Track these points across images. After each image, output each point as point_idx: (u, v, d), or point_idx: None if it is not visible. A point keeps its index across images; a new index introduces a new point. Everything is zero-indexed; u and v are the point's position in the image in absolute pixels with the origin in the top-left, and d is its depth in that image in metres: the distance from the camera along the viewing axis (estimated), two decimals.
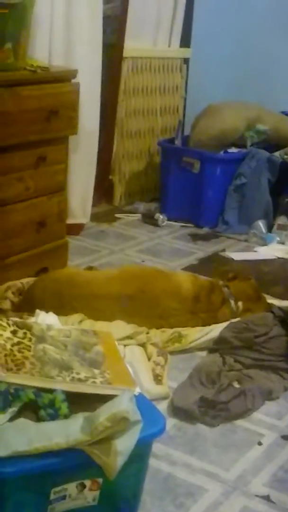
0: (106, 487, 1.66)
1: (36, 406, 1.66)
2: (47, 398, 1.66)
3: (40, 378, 1.71)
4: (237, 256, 3.79)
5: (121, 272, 2.89)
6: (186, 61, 4.75)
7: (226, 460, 2.09)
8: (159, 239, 4.01)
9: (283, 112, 4.48)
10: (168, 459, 2.07)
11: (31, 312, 2.46)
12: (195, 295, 2.78)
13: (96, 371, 1.79)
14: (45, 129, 3.00)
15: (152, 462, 1.94)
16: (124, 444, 1.59)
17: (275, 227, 4.03)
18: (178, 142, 4.35)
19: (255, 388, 2.43)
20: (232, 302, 2.84)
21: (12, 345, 1.82)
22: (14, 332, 1.89)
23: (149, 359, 2.52)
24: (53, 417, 1.64)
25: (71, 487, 1.62)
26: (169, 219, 4.23)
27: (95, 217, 4.13)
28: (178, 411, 2.27)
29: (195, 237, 4.06)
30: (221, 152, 4.24)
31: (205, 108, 4.31)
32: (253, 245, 3.97)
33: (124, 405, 1.60)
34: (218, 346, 2.67)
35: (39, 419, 1.64)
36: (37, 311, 2.26)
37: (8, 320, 1.96)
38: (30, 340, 1.88)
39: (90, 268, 3.19)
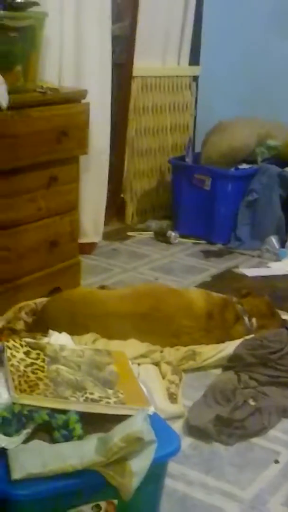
0: (122, 508, 1.64)
1: (50, 428, 1.65)
2: (61, 419, 1.65)
3: (54, 399, 1.70)
4: (250, 272, 3.78)
5: (134, 290, 2.89)
6: (195, 78, 4.78)
7: (243, 479, 2.07)
8: (171, 256, 4.01)
9: None
10: (184, 478, 2.05)
11: (45, 333, 2.46)
12: (209, 312, 2.78)
13: (110, 391, 1.79)
14: (56, 149, 3.02)
15: (168, 482, 1.92)
16: (139, 465, 1.58)
17: None
18: (188, 160, 4.36)
19: (271, 405, 2.41)
20: (246, 318, 2.83)
21: (26, 366, 1.82)
22: (27, 353, 1.89)
23: (163, 377, 2.50)
24: (67, 438, 1.63)
25: (87, 509, 1.61)
26: (181, 236, 4.23)
27: (107, 236, 4.13)
28: (193, 430, 2.26)
29: (207, 254, 4.05)
30: (232, 169, 4.25)
31: (215, 125, 4.32)
32: (266, 261, 3.95)
33: (138, 425, 1.59)
34: (232, 363, 2.65)
35: (53, 441, 1.64)
36: (50, 331, 2.26)
37: (21, 341, 1.96)
38: (43, 360, 1.88)
39: (103, 287, 3.19)
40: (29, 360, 1.86)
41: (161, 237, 4.23)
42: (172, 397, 2.40)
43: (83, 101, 3.19)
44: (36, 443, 1.62)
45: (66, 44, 3.48)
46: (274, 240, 4.04)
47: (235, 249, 4.11)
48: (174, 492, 1.98)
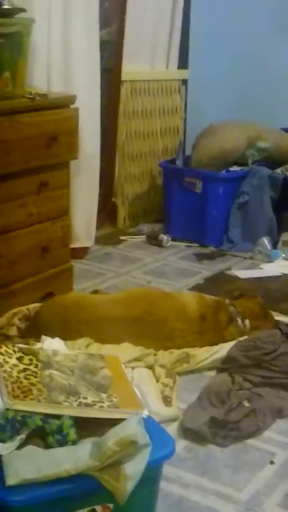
0: None
1: (44, 433, 1.65)
2: (55, 424, 1.65)
3: (47, 404, 1.70)
4: (243, 274, 3.78)
5: (127, 294, 2.89)
6: (184, 82, 4.79)
7: (239, 481, 2.07)
8: (164, 260, 4.01)
9: (283, 129, 4.49)
10: (179, 481, 2.05)
11: (38, 338, 2.46)
12: (202, 314, 2.78)
13: (104, 395, 1.79)
14: (45, 155, 3.02)
15: (163, 485, 1.93)
16: (134, 468, 1.58)
17: (279, 243, 4.02)
18: (179, 163, 4.36)
19: (266, 407, 2.41)
20: (239, 320, 2.83)
21: (19, 372, 1.82)
22: (20, 359, 1.89)
23: (157, 381, 2.51)
24: (61, 443, 1.63)
25: None
26: (173, 240, 4.24)
27: (99, 240, 4.13)
28: (188, 433, 2.26)
29: (200, 257, 4.06)
30: (223, 171, 4.25)
31: (206, 128, 4.33)
32: (259, 262, 3.96)
33: (132, 428, 1.59)
34: (226, 365, 2.66)
35: (47, 446, 1.63)
36: (43, 336, 2.26)
37: (14, 346, 1.96)
38: (36, 366, 1.87)
39: (96, 292, 3.19)
40: (22, 366, 1.86)
41: (153, 240, 4.24)
42: (167, 400, 2.40)
43: (72, 106, 3.20)
44: (30, 448, 1.62)
45: (54, 49, 3.49)
46: (266, 241, 4.04)
47: (227, 251, 4.12)
48: (170, 495, 1.98)
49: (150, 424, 1.71)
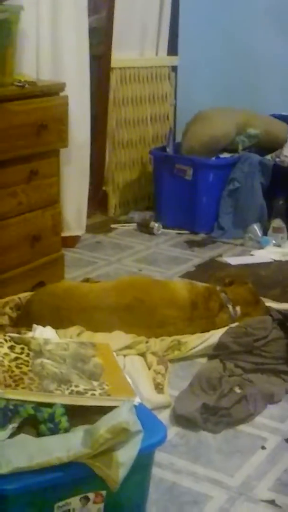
0: (110, 499, 1.65)
1: (36, 421, 1.66)
2: (47, 413, 1.66)
3: (39, 393, 1.70)
4: (234, 260, 3.79)
5: (118, 283, 2.89)
6: (174, 68, 4.77)
7: (230, 466, 2.08)
8: (155, 247, 4.01)
9: (272, 115, 4.48)
10: (171, 467, 2.06)
11: (29, 327, 2.46)
12: (192, 302, 2.78)
13: (95, 383, 1.79)
14: (35, 143, 3.01)
15: (156, 471, 1.94)
16: (126, 455, 1.59)
17: (270, 230, 4.03)
18: (169, 150, 4.35)
19: (257, 392, 2.42)
20: (230, 307, 2.84)
21: (10, 361, 1.82)
22: (11, 348, 1.89)
23: (149, 368, 2.51)
24: (53, 431, 1.64)
25: (75, 501, 1.62)
26: (164, 227, 4.24)
27: (90, 229, 4.13)
28: (180, 419, 2.27)
29: (191, 244, 4.06)
30: (213, 158, 4.25)
31: (196, 114, 4.32)
32: (249, 249, 3.97)
33: (123, 416, 1.60)
34: (218, 352, 2.67)
35: (39, 434, 1.64)
36: (34, 325, 2.26)
37: (5, 335, 1.96)
38: (28, 355, 1.88)
39: (87, 280, 3.19)
40: (13, 355, 1.86)
41: (144, 228, 4.24)
42: (159, 387, 2.41)
43: (61, 94, 3.18)
44: (22, 437, 1.62)
45: (43, 37, 3.47)
46: (256, 228, 4.05)
47: (218, 238, 4.13)
48: (162, 481, 1.99)
49: (141, 411, 1.72)
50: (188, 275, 3.51)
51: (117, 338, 2.59)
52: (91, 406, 1.72)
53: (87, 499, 1.63)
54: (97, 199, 4.44)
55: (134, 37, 4.39)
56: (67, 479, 1.58)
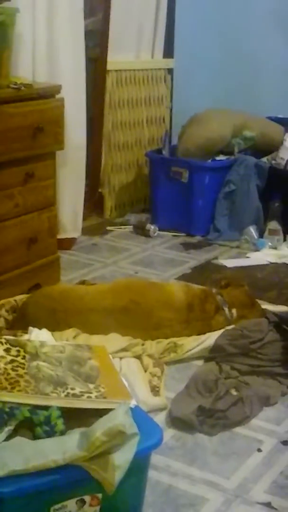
0: (106, 502, 1.65)
1: (32, 424, 1.65)
2: (43, 415, 1.66)
3: (35, 395, 1.70)
4: (230, 263, 3.79)
5: (114, 285, 2.89)
6: (170, 71, 4.77)
7: (227, 469, 2.08)
8: (151, 249, 4.01)
9: (268, 118, 4.49)
10: (168, 470, 2.06)
11: (25, 329, 2.46)
12: (189, 304, 2.78)
13: (91, 386, 1.79)
14: (31, 145, 3.01)
15: (152, 474, 1.94)
16: (122, 458, 1.58)
17: (266, 232, 4.03)
18: (165, 153, 4.36)
19: (253, 395, 2.42)
20: (226, 309, 2.84)
21: (6, 364, 1.82)
22: (7, 351, 1.89)
23: (145, 370, 2.51)
24: (49, 434, 1.64)
25: (71, 504, 1.62)
26: (160, 229, 4.23)
27: (86, 231, 4.13)
28: (176, 422, 2.27)
29: (187, 246, 4.06)
30: (209, 160, 4.25)
31: (191, 117, 4.32)
32: (245, 251, 3.97)
33: (119, 418, 1.60)
34: (214, 354, 2.66)
35: (35, 437, 1.64)
36: (30, 328, 2.26)
37: (1, 338, 1.95)
38: (23, 357, 1.87)
39: (83, 282, 3.18)
40: (9, 358, 1.86)
41: (140, 230, 4.24)
42: (155, 390, 2.41)
43: (57, 96, 3.19)
44: (18, 440, 1.62)
45: (39, 39, 3.47)
46: (252, 230, 4.05)
47: (214, 240, 4.13)
48: (158, 483, 1.99)
49: (138, 414, 1.72)
50: (184, 278, 3.51)
51: (113, 341, 2.59)
52: (87, 409, 1.72)
53: (83, 502, 1.63)
54: (93, 201, 4.44)
55: (130, 40, 4.40)
56: (63, 482, 1.57)
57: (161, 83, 4.73)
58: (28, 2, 3.33)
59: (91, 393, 1.75)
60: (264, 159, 4.25)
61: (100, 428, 1.58)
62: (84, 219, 4.01)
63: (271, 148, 4.34)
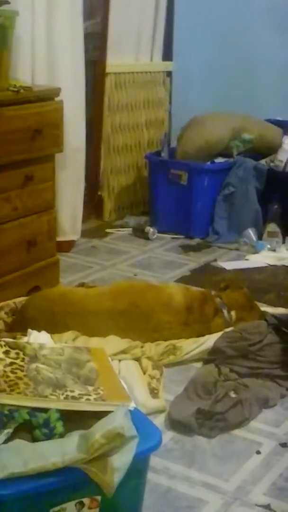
0: (105, 504, 1.64)
1: (31, 426, 1.65)
2: (42, 418, 1.65)
3: (34, 398, 1.70)
4: (229, 265, 3.79)
5: (113, 287, 2.89)
6: (169, 74, 4.78)
7: (226, 471, 2.08)
8: (150, 252, 4.01)
9: (267, 120, 4.50)
10: (167, 472, 2.06)
11: (25, 332, 2.47)
12: (188, 306, 2.79)
13: (90, 388, 1.79)
14: (30, 148, 3.01)
15: (151, 476, 1.94)
16: (121, 460, 1.58)
17: (265, 234, 4.03)
18: (165, 155, 4.36)
19: (252, 397, 2.42)
20: (225, 311, 2.84)
21: (5, 366, 1.82)
22: (6, 353, 1.89)
23: (144, 373, 2.51)
24: (48, 436, 1.63)
25: (70, 507, 1.61)
26: (159, 232, 4.24)
27: (85, 233, 4.13)
28: (175, 424, 2.27)
29: (186, 249, 4.07)
30: (208, 163, 4.26)
31: (190, 119, 4.33)
32: (244, 253, 3.97)
33: (119, 421, 1.60)
34: (213, 356, 2.67)
35: (34, 439, 1.63)
36: (29, 330, 2.26)
37: (0, 341, 1.95)
38: (23, 360, 1.87)
39: (82, 285, 3.19)
40: (8, 360, 1.86)
41: (139, 233, 4.24)
42: (154, 392, 2.41)
43: (56, 99, 3.19)
44: (17, 442, 1.62)
45: (38, 42, 3.47)
46: (251, 232, 4.06)
47: (213, 242, 4.13)
48: (157, 486, 1.99)
49: (137, 416, 1.71)
50: (183, 280, 3.52)
51: (112, 343, 2.59)
52: (86, 411, 1.71)
53: (82, 504, 1.62)
54: (92, 204, 4.44)
55: (129, 43, 4.40)
56: (62, 484, 1.57)
57: (160, 86, 4.74)
58: (28, 5, 3.34)
59: (90, 395, 1.75)
60: (263, 162, 4.26)
61: (99, 430, 1.57)
62: (83, 221, 4.01)
63: (269, 150, 4.34)
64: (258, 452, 2.18)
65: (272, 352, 2.66)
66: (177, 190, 4.20)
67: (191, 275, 3.65)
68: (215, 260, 3.89)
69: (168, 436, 2.21)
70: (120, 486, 1.58)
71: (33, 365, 1.85)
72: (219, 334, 2.73)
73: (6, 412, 1.65)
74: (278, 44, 4.55)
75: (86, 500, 1.62)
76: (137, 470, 1.67)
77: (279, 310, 3.04)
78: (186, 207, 4.19)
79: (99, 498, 1.63)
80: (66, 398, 1.72)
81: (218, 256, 3.95)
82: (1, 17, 2.90)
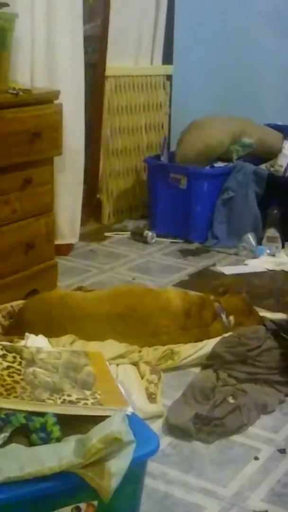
0: (102, 509, 1.63)
1: (28, 431, 1.64)
2: (39, 422, 1.64)
3: (31, 402, 1.69)
4: (228, 270, 3.78)
5: (111, 291, 2.88)
6: (169, 77, 4.77)
7: (223, 477, 2.07)
8: (149, 256, 4.00)
9: (267, 125, 4.49)
10: (164, 478, 2.05)
11: (22, 335, 2.45)
12: (186, 311, 2.78)
13: (88, 392, 1.78)
14: (29, 151, 3.00)
15: (148, 481, 1.92)
16: (118, 465, 1.57)
17: (264, 239, 4.03)
18: (164, 159, 4.35)
19: (250, 402, 2.41)
20: (224, 316, 2.83)
21: (2, 370, 1.81)
22: (3, 357, 1.88)
23: (142, 377, 2.50)
24: (45, 440, 1.62)
25: (66, 511, 1.60)
26: (158, 236, 4.23)
27: (84, 237, 4.12)
28: (173, 429, 2.26)
29: (185, 253, 4.05)
30: (208, 167, 4.25)
31: (190, 123, 4.32)
32: (243, 258, 3.96)
33: (116, 425, 1.59)
34: (211, 361, 2.65)
35: (31, 444, 1.62)
36: (27, 334, 2.25)
37: None
38: (20, 364, 1.86)
39: (80, 288, 3.18)
40: (5, 364, 1.84)
41: (138, 237, 4.23)
42: (151, 397, 2.39)
43: (55, 101, 3.18)
44: (13, 446, 1.61)
45: (38, 44, 3.47)
46: (250, 237, 4.05)
47: (212, 247, 4.12)
48: (155, 491, 1.98)
49: (134, 421, 1.70)
50: (181, 284, 3.51)
51: (110, 347, 2.58)
52: (83, 416, 1.70)
53: (78, 509, 1.61)
54: (91, 207, 4.43)
55: (129, 46, 4.40)
56: (58, 489, 1.56)
57: (160, 89, 4.73)
58: (27, 7, 3.33)
59: (87, 399, 1.74)
60: (263, 166, 4.25)
61: (96, 435, 1.56)
62: (81, 225, 4.00)
63: (269, 155, 4.34)
64: (256, 458, 2.17)
65: (271, 357, 2.65)
66: (176, 194, 4.19)
67: (189, 280, 3.64)
68: (214, 264, 3.88)
69: (165, 441, 2.20)
70: (117, 491, 1.56)
71: (30, 369, 1.83)
72: (217, 339, 2.72)
73: (2, 416, 1.64)
74: (278, 48, 4.55)
75: (82, 505, 1.61)
76: (134, 475, 1.66)
77: (278, 315, 3.02)
78: (185, 211, 4.19)
79: (95, 503, 1.62)
80: (63, 402, 1.71)
81: (217, 260, 3.94)
82: (1, 19, 2.90)
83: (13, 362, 1.86)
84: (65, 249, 3.87)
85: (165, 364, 2.64)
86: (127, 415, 1.70)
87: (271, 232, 4.01)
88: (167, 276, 3.67)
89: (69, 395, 1.74)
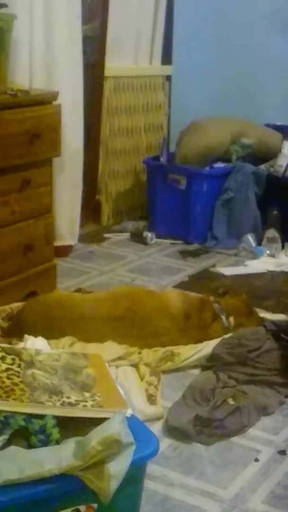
0: None
1: (27, 433, 1.63)
2: (38, 424, 1.63)
3: (30, 404, 1.68)
4: (228, 271, 3.78)
5: (110, 293, 2.88)
6: (168, 78, 4.77)
7: (223, 479, 2.06)
8: (148, 257, 3.99)
9: (267, 125, 4.49)
10: (164, 480, 2.04)
11: (21, 337, 2.45)
12: (186, 312, 2.77)
13: (87, 394, 1.77)
14: (28, 152, 2.99)
15: (148, 483, 1.91)
16: (117, 468, 1.56)
17: (264, 240, 4.02)
18: (163, 159, 4.35)
19: (250, 404, 2.40)
20: (224, 318, 2.82)
21: (1, 372, 1.80)
22: (2, 359, 1.87)
23: (142, 379, 2.49)
24: (45, 443, 1.61)
25: None
26: (157, 237, 4.22)
27: (83, 238, 4.11)
28: (173, 431, 2.25)
29: (184, 254, 4.05)
30: (207, 168, 4.25)
31: (189, 124, 4.32)
32: (243, 259, 3.95)
33: (115, 427, 1.58)
34: (211, 363, 2.65)
35: (30, 446, 1.61)
36: (26, 336, 2.24)
37: None
38: (19, 366, 1.85)
39: (79, 290, 3.17)
40: (4, 366, 1.83)
41: (137, 238, 4.22)
42: (151, 399, 2.39)
43: (54, 102, 3.17)
44: (12, 449, 1.60)
45: (36, 45, 3.46)
46: (250, 238, 4.04)
47: (212, 248, 4.11)
48: (155, 493, 1.97)
49: (134, 423, 1.70)
50: (181, 286, 3.50)
51: (110, 349, 2.57)
52: (82, 418, 1.70)
53: (78, 511, 1.61)
54: (90, 208, 4.42)
55: (128, 46, 4.39)
56: (58, 492, 1.55)
57: (159, 90, 4.73)
58: (26, 8, 3.33)
59: (86, 401, 1.73)
60: (262, 167, 4.25)
61: (95, 437, 1.55)
62: (80, 226, 4.00)
63: (269, 155, 4.33)
64: (257, 460, 2.16)
65: (271, 358, 2.64)
66: (176, 195, 4.18)
67: (189, 281, 3.63)
68: (214, 265, 3.87)
69: (165, 443, 2.19)
70: (116, 494, 1.56)
71: (29, 371, 1.83)
72: (217, 340, 2.71)
73: (1, 418, 1.63)
74: (278, 49, 4.55)
75: (82, 508, 1.60)
76: (134, 478, 1.65)
77: (278, 316, 3.02)
78: (184, 212, 4.18)
79: (95, 505, 1.61)
80: (62, 404, 1.70)
81: (216, 261, 3.94)
82: None
83: (12, 364, 1.85)
84: (64, 251, 3.86)
85: (165, 365, 2.63)
86: (127, 417, 1.69)
87: (271, 232, 4.01)
88: (167, 277, 3.66)
89: (68, 397, 1.73)
